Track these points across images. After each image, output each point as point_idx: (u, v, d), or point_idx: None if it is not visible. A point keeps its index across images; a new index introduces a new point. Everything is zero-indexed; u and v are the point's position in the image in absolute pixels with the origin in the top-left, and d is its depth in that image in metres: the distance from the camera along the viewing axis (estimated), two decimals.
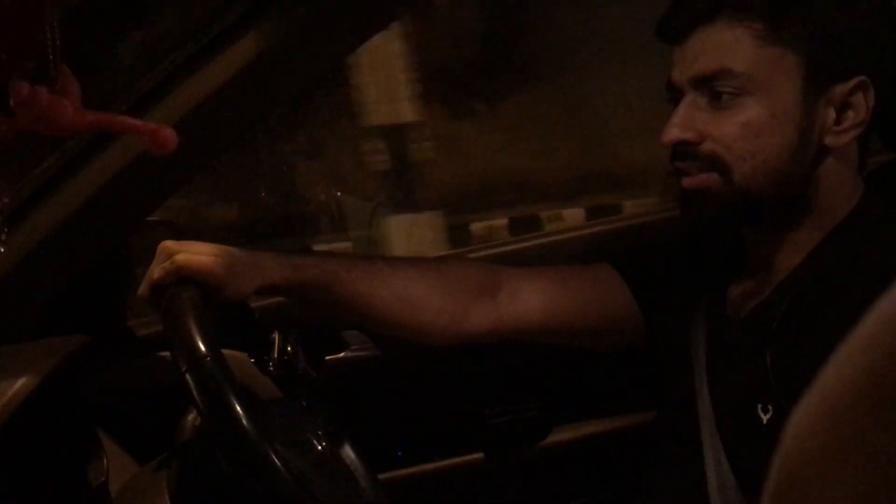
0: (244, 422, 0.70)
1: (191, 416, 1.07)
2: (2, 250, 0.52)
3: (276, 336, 0.95)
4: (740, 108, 0.86)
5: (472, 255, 1.30)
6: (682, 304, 1.01)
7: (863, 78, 0.86)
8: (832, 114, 0.87)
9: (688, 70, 0.89)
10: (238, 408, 0.70)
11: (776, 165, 0.87)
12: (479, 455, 1.33)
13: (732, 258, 0.98)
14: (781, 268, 0.92)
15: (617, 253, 1.10)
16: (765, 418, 0.87)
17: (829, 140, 0.88)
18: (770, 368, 0.87)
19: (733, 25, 0.86)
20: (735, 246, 0.98)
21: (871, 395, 0.25)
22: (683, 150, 0.89)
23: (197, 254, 0.84)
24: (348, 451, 0.95)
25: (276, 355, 0.94)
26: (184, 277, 0.83)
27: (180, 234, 1.27)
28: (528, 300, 1.03)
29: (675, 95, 0.91)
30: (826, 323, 0.84)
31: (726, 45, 0.86)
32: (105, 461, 1.17)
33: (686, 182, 0.90)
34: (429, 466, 1.31)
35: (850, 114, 0.87)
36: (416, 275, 1.00)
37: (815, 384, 0.28)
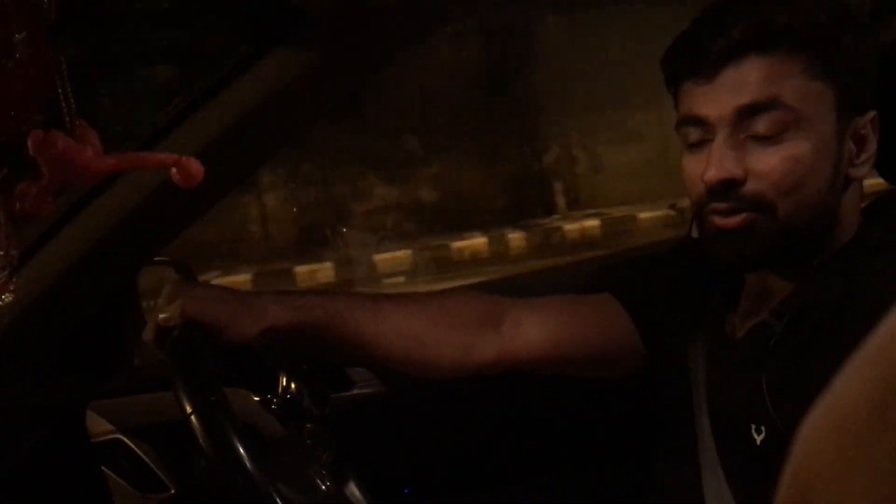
0: (248, 464, 0.70)
1: (195, 456, 1.07)
2: (10, 299, 0.52)
3: (280, 375, 0.96)
4: (786, 142, 0.84)
5: (471, 284, 1.31)
6: (683, 327, 1.01)
7: (875, 112, 0.88)
8: (853, 147, 0.88)
9: (731, 101, 0.85)
10: (242, 451, 0.70)
11: (817, 199, 0.86)
12: (485, 490, 1.33)
13: (731, 280, 0.98)
14: (780, 290, 0.92)
15: (617, 280, 1.10)
16: (758, 439, 0.87)
17: (852, 172, 0.88)
18: (766, 389, 0.87)
19: (783, 58, 0.84)
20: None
21: (879, 407, 0.25)
22: (723, 190, 0.86)
23: (201, 297, 0.85)
24: (353, 490, 0.95)
25: (280, 393, 0.95)
26: (188, 321, 0.83)
27: (189, 273, 1.28)
28: (532, 331, 1.03)
29: (697, 133, 0.88)
30: (822, 346, 0.83)
31: (777, 76, 0.84)
32: (111, 499, 1.17)
33: (726, 223, 0.87)
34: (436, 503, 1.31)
35: (868, 146, 0.89)
36: (419, 310, 1.01)
37: (823, 397, 0.28)
